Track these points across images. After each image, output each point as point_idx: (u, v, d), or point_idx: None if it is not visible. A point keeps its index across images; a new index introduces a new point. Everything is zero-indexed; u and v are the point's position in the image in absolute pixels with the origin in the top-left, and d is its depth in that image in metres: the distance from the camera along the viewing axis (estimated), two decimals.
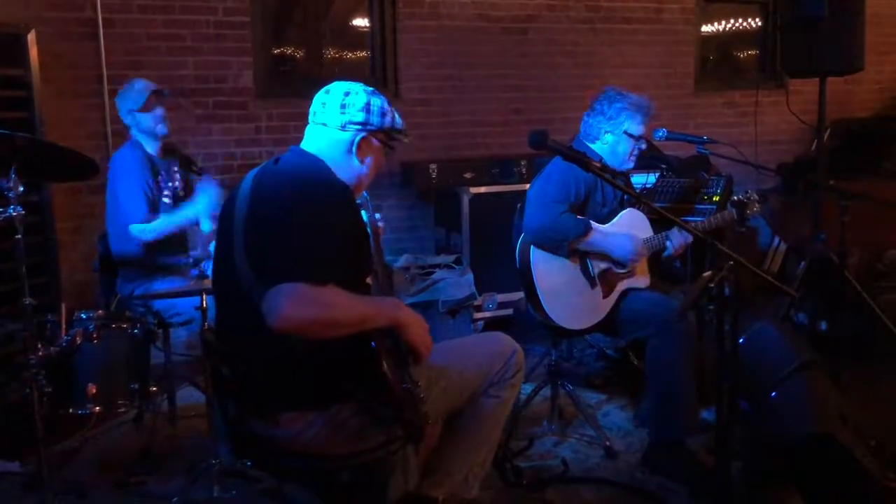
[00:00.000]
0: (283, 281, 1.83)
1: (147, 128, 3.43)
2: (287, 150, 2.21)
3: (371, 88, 2.20)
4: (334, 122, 2.15)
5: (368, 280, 2.19)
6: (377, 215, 2.50)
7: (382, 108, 2.18)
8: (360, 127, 2.15)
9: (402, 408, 2.01)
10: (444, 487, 2.35)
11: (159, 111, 3.43)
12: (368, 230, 2.26)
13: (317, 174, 2.11)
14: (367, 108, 2.15)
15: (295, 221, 1.94)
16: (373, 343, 1.96)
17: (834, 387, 3.00)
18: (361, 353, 1.97)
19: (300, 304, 1.82)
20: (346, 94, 2.15)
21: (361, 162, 2.18)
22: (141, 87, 3.42)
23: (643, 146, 3.33)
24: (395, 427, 2.07)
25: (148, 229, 3.29)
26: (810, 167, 4.36)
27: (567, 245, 3.15)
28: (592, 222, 3.20)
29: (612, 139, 3.29)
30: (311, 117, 2.21)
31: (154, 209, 3.37)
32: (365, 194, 2.40)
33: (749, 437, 2.92)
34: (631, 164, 3.35)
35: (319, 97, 2.19)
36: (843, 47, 4.02)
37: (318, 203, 1.98)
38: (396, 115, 2.23)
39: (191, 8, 4.63)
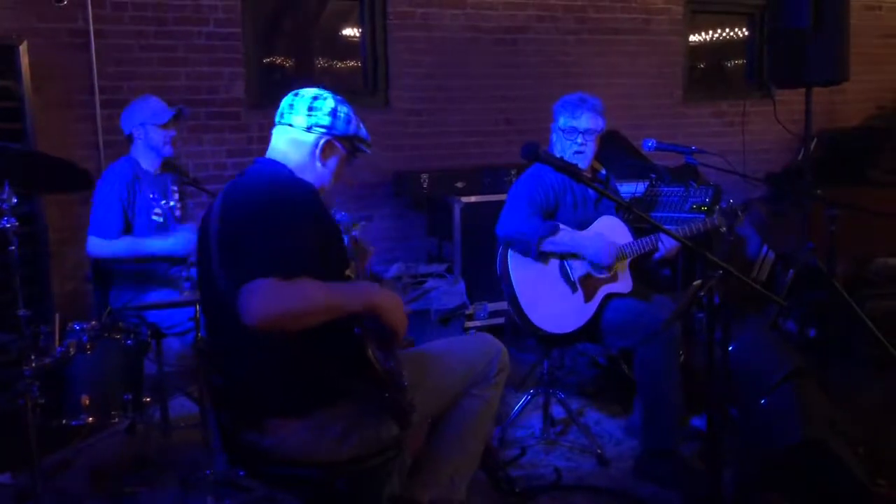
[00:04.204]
0: (252, 279, 1.85)
1: (155, 145, 3.42)
2: (252, 162, 2.26)
3: (340, 97, 2.25)
4: (300, 123, 2.19)
5: (349, 272, 2.21)
6: (355, 232, 2.52)
7: (348, 115, 2.23)
8: (325, 130, 2.20)
9: (385, 386, 2.00)
10: (430, 490, 2.36)
11: (172, 132, 3.44)
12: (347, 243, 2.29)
13: (279, 177, 2.15)
14: (333, 114, 2.20)
15: (259, 221, 1.97)
16: (356, 329, 1.97)
17: (823, 394, 3.03)
18: (346, 343, 1.98)
19: (269, 299, 1.83)
20: (315, 98, 2.21)
21: (324, 166, 2.22)
22: (159, 104, 3.42)
23: (582, 140, 3.28)
24: (384, 415, 2.07)
25: (106, 246, 3.27)
26: (797, 176, 4.40)
27: (535, 245, 3.17)
28: (561, 224, 3.23)
29: (555, 137, 3.39)
30: (276, 118, 2.25)
31: (127, 229, 3.35)
32: (344, 216, 2.44)
33: (739, 445, 2.95)
34: (581, 163, 3.27)
35: (287, 99, 2.24)
36: (829, 59, 4.07)
37: (280, 201, 2.02)
38: (362, 126, 2.28)
39: (182, 19, 4.64)
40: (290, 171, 2.18)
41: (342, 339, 1.98)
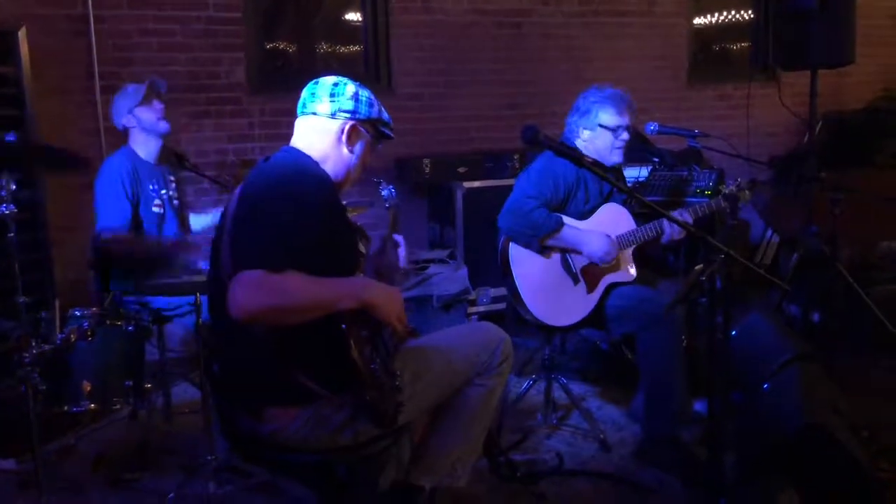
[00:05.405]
0: (245, 268, 1.84)
1: (149, 124, 3.35)
2: (279, 149, 2.23)
3: (359, 82, 2.24)
4: (324, 110, 2.18)
5: (360, 275, 2.19)
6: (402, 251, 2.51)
7: (370, 99, 2.22)
8: (349, 115, 2.19)
9: (367, 387, 1.98)
10: (430, 476, 2.36)
11: (159, 105, 3.37)
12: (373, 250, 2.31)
13: (299, 167, 2.13)
14: (355, 98, 2.19)
15: (262, 209, 1.97)
16: (343, 326, 1.94)
17: (826, 378, 3.02)
18: (332, 339, 1.96)
19: (253, 293, 1.82)
20: (336, 84, 2.20)
21: (351, 151, 2.21)
22: (135, 86, 3.37)
23: (625, 136, 3.27)
24: (366, 412, 2.05)
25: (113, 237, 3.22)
26: (802, 160, 4.37)
27: (537, 240, 3.16)
28: (565, 218, 3.20)
29: (589, 134, 3.28)
30: (299, 109, 2.24)
31: (136, 223, 3.31)
32: (392, 190, 2.43)
33: (742, 429, 2.94)
34: (618, 159, 3.30)
35: (308, 89, 2.23)
36: (834, 40, 4.03)
37: (288, 192, 2.00)
38: (384, 110, 2.27)
39: (182, 3, 4.62)
40: (314, 162, 2.17)
41: (330, 336, 1.96)
